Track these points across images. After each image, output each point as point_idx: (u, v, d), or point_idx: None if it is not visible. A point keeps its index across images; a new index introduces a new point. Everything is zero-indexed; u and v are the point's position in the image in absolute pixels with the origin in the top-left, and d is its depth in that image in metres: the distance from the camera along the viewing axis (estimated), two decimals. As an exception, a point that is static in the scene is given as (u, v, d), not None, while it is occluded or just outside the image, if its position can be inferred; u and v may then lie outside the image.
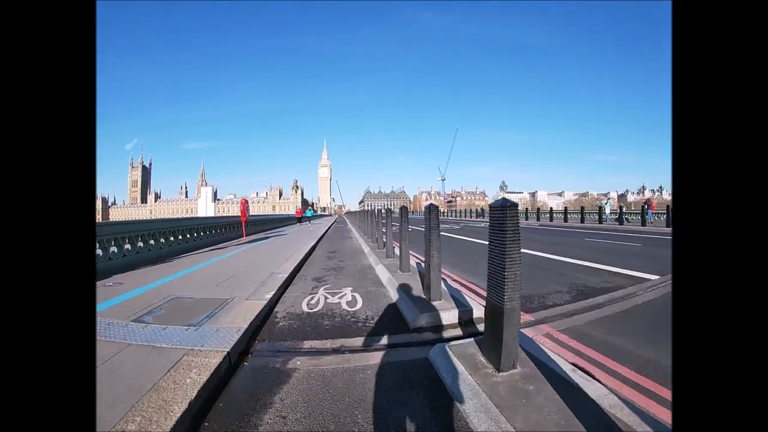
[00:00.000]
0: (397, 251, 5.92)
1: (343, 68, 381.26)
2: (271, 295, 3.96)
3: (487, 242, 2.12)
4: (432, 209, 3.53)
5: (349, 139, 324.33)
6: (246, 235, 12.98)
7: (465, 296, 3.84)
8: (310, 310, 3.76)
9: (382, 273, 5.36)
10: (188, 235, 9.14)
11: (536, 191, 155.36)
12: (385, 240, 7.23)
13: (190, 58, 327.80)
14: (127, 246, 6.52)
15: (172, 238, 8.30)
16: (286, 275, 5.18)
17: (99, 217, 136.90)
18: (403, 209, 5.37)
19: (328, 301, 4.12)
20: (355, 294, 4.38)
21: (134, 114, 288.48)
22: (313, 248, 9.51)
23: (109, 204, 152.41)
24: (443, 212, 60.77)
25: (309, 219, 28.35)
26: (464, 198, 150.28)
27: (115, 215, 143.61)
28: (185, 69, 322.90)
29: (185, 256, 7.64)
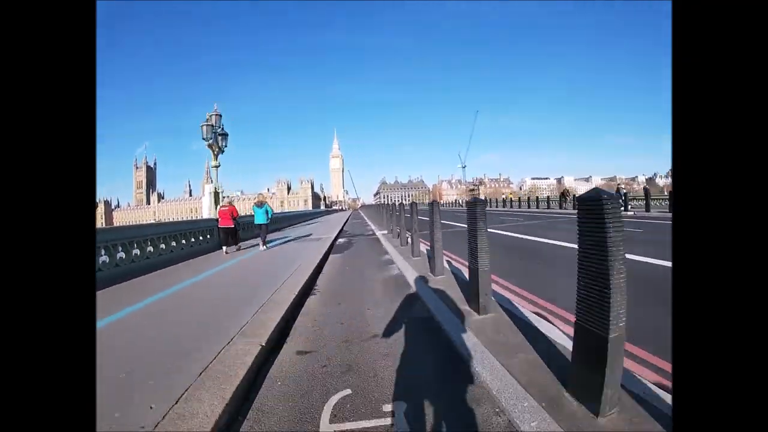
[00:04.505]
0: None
1: (353, 58, 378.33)
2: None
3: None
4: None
5: (362, 128, 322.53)
6: None
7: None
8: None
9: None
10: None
11: (562, 176, 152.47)
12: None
13: (194, 59, 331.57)
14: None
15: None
16: None
17: (102, 222, 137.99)
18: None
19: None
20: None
21: (143, 118, 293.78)
22: None
23: (113, 207, 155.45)
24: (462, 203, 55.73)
25: (264, 227, 9.40)
26: (488, 186, 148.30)
27: (120, 218, 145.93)
28: (189, 69, 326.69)
29: None
